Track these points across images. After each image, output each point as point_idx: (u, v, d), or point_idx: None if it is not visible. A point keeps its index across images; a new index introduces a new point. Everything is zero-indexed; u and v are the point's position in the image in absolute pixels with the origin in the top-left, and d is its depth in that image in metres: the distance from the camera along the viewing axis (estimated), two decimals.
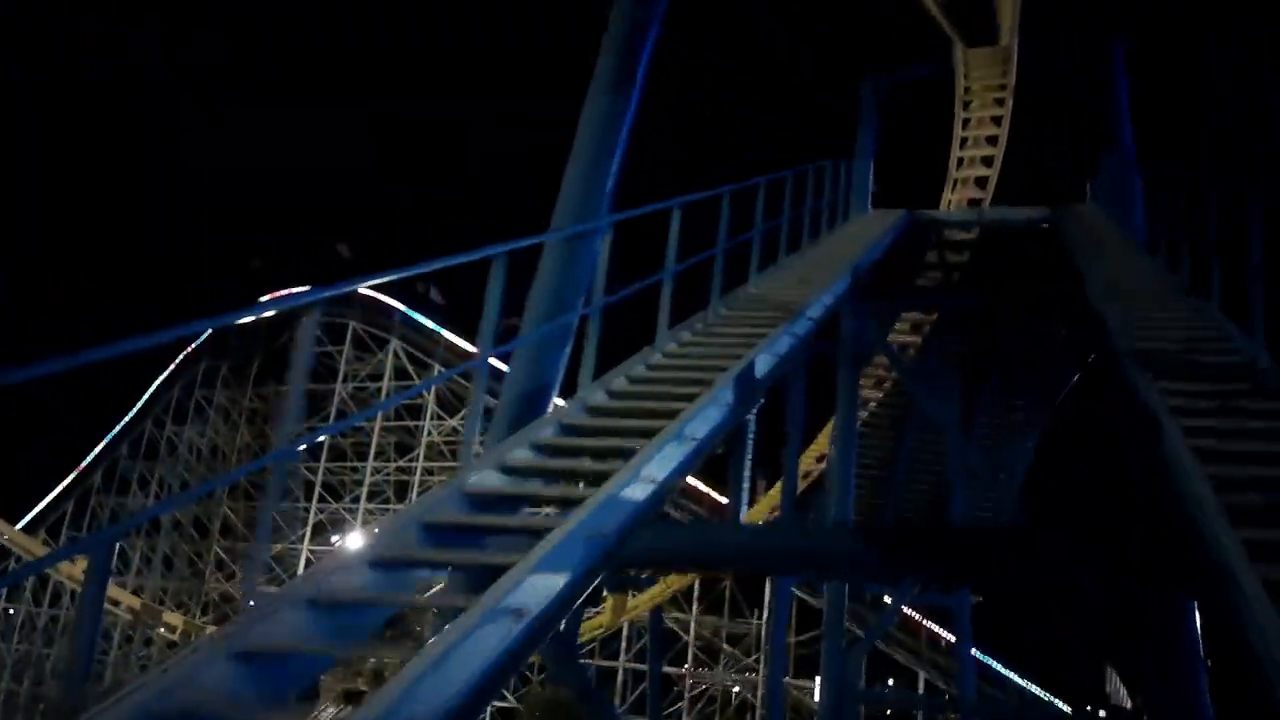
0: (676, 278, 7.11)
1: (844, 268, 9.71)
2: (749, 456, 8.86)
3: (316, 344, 39.51)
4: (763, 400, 7.16)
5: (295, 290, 36.12)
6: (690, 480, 30.70)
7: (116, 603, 34.18)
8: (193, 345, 39.37)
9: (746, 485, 9.11)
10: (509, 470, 4.99)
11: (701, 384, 5.81)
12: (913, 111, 21.50)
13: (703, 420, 5.37)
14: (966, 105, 18.23)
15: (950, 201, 18.99)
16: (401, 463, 37.41)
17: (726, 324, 7.63)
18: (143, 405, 40.94)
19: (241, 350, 39.92)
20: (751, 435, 8.83)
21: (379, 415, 36.61)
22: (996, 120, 18.44)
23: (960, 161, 18.83)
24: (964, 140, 18.66)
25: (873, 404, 20.93)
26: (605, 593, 27.78)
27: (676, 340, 7.12)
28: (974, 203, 19.10)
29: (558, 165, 7.73)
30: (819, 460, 23.70)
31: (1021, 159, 19.72)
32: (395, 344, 37.90)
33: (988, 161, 18.90)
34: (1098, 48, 15.19)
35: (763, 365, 6.49)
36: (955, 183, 18.95)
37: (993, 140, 18.78)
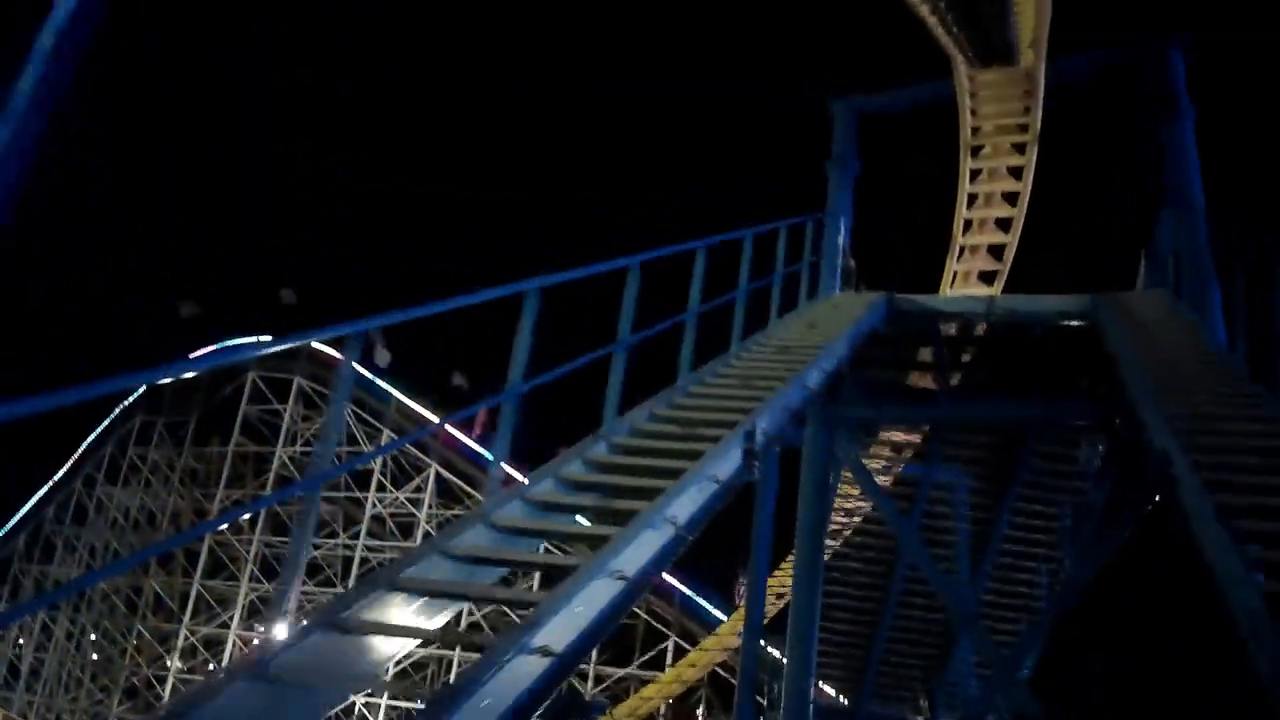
0: None
1: (727, 444, 5.40)
2: None
3: (261, 401, 36.14)
4: None
5: (236, 342, 33.05)
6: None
7: None
8: (127, 400, 36.33)
9: None
10: None
11: None
12: (908, 147, 17.52)
13: None
14: (976, 152, 13.85)
15: (955, 274, 14.73)
16: (345, 539, 33.66)
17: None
18: (71, 465, 37.66)
19: (178, 406, 36.65)
20: None
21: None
22: (1016, 172, 14.09)
23: (968, 225, 14.45)
24: (972, 198, 14.32)
25: (858, 517, 17.11)
26: None
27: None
28: (986, 276, 14.82)
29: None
30: None
31: (1052, 221, 15.61)
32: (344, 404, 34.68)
33: (1004, 225, 14.54)
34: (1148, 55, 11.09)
35: None
36: (962, 251, 14.65)
37: (1011, 198, 14.43)
